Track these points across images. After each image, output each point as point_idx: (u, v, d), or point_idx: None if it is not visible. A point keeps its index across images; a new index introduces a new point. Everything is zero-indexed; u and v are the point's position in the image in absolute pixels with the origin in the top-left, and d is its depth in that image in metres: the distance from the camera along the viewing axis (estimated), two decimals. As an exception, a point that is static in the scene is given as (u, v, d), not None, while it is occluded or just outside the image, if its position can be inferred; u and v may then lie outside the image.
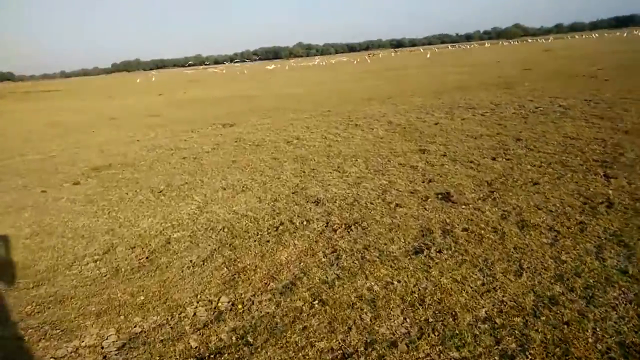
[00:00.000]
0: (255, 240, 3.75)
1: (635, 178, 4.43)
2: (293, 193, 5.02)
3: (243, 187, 5.44)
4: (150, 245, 3.87)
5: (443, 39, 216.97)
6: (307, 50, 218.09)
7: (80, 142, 10.24)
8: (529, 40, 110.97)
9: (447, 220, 3.81)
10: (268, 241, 3.71)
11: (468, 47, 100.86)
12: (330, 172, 5.77)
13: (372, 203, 4.42)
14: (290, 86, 23.72)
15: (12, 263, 3.76)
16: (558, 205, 3.91)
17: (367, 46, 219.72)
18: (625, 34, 69.97)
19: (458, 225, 3.70)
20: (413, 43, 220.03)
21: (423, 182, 5.00)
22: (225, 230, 4.04)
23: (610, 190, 4.15)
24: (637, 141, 5.86)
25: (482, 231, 3.52)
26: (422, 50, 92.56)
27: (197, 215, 4.52)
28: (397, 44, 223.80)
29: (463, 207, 4.10)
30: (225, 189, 5.43)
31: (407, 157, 6.24)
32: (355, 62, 61.44)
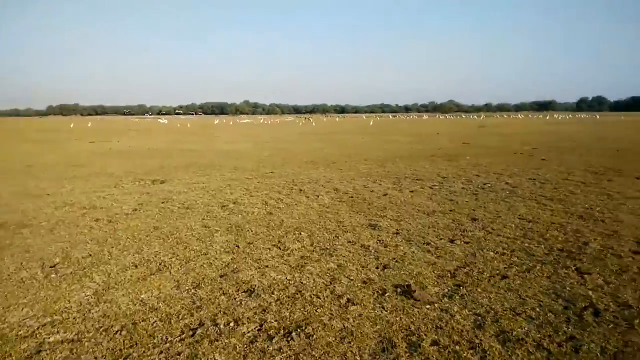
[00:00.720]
0: (161, 353, 2.77)
1: (610, 275, 3.97)
2: (222, 277, 4.10)
3: (160, 265, 4.44)
4: (10, 357, 2.77)
5: (384, 109, 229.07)
6: (253, 109, 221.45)
7: (-22, 191, 8.73)
8: (463, 116, 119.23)
9: (412, 328, 3.06)
10: (179, 355, 2.75)
11: (408, 117, 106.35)
12: (270, 249, 4.93)
13: (319, 297, 3.60)
14: (234, 143, 23.00)
15: None
16: (538, 309, 3.30)
17: (313, 109, 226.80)
18: (547, 117, 76.94)
19: (426, 335, 2.95)
20: (356, 110, 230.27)
21: (377, 268, 4.27)
22: (124, 333, 3.03)
23: (589, 291, 3.62)
24: (595, 229, 5.56)
25: (458, 347, 2.79)
26: (365, 118, 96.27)
27: (92, 307, 3.46)
28: (341, 110, 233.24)
29: (428, 307, 3.38)
30: (137, 266, 4.40)
31: (357, 233, 5.55)
32: (300, 123, 62.37)
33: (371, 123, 58.00)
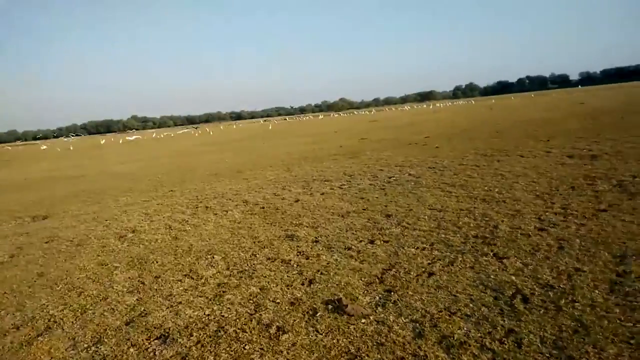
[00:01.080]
0: None
1: (525, 257, 4.12)
2: (127, 324, 3.53)
3: (49, 321, 3.73)
4: None
5: (279, 111, 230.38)
6: (143, 123, 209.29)
7: None
8: (355, 112, 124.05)
9: (352, 349, 2.83)
10: None
11: (305, 118, 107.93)
12: (181, 280, 4.41)
13: (244, 330, 3.23)
14: (125, 162, 21.27)
15: None
16: (471, 305, 3.26)
17: (207, 119, 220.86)
18: (431, 106, 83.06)
19: (368, 355, 2.74)
20: (252, 115, 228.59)
21: (303, 284, 4.00)
22: None
23: (512, 276, 3.70)
24: (500, 210, 5.84)
25: (403, 362, 2.61)
26: (262, 122, 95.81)
27: (-44, 396, 2.74)
28: (237, 117, 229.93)
29: (363, 321, 3.19)
30: (18, 328, 3.65)
31: (274, 247, 5.22)
32: (196, 134, 60.17)
33: (269, 127, 57.75)
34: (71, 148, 49.85)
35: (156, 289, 4.23)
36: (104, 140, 66.86)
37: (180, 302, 3.85)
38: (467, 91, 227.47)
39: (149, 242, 6.00)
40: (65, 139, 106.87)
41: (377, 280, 3.93)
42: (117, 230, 6.94)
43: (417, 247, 4.70)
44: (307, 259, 4.68)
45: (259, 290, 3.94)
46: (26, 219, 8.73)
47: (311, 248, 5.04)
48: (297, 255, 4.82)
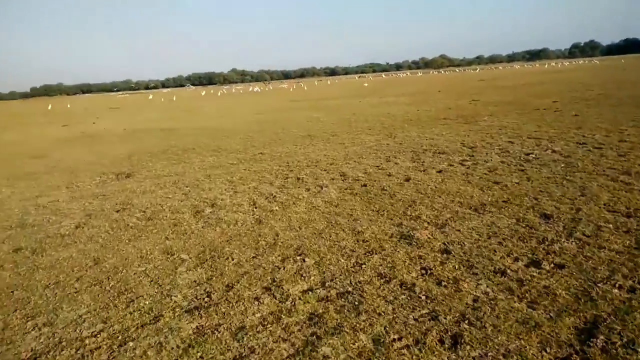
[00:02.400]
0: None
1: None
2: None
3: (76, 351, 2.67)
4: None
5: (374, 68, 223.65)
6: (241, 77, 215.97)
7: None
8: (457, 70, 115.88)
9: None
10: None
11: (401, 75, 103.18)
12: (259, 299, 3.15)
13: None
14: (220, 117, 20.91)
15: None
16: None
17: (302, 73, 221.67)
18: (545, 65, 74.33)
19: None
20: (346, 71, 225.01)
21: (442, 342, 2.51)
22: None
23: None
24: None
25: None
26: (357, 78, 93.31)
27: None
28: (331, 72, 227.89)
29: None
30: (38, 356, 2.63)
31: (386, 254, 3.76)
32: (291, 89, 59.83)
33: (365, 84, 55.44)
34: (174, 99, 52.01)
35: (224, 312, 3.00)
36: (204, 92, 69.29)
37: (253, 350, 2.56)
38: (587, 49, 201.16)
39: (228, 225, 4.85)
40: (165, 90, 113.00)
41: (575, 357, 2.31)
42: (196, 201, 5.92)
43: (619, 286, 2.95)
44: (440, 285, 3.15)
45: (371, 345, 2.52)
46: (110, 175, 8.16)
47: (441, 264, 3.50)
48: (423, 276, 3.32)
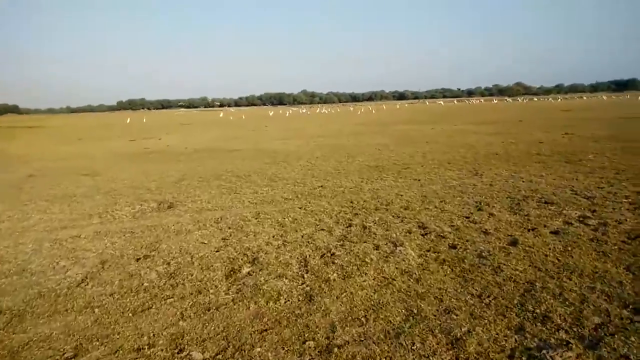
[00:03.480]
0: None
1: None
2: None
3: None
4: None
5: (445, 93, 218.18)
6: (310, 98, 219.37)
7: None
8: (535, 99, 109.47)
9: None
10: None
11: (474, 102, 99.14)
12: None
13: None
14: (284, 138, 20.04)
15: None
16: None
17: (370, 96, 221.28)
18: (638, 97, 67.85)
19: None
20: (415, 96, 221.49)
21: None
22: None
23: None
24: None
25: None
26: (427, 103, 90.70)
27: None
28: (400, 96, 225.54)
29: None
30: None
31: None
32: (359, 112, 58.91)
33: (439, 107, 53.18)
34: (243, 117, 52.76)
35: None
36: (272, 113, 70.18)
37: None
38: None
39: (267, 301, 3.52)
40: (232, 109, 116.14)
41: None
42: (234, 252, 4.68)
43: None
44: None
45: None
46: (151, 204, 7.20)
47: None
48: None
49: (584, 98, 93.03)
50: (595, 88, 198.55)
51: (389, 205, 6.44)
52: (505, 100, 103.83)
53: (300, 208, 6.52)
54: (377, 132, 21.08)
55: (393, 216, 5.85)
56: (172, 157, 14.18)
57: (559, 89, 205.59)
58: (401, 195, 7.05)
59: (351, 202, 6.78)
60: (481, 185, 7.64)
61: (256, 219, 6.03)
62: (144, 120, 53.47)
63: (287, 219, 5.92)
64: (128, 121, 48.35)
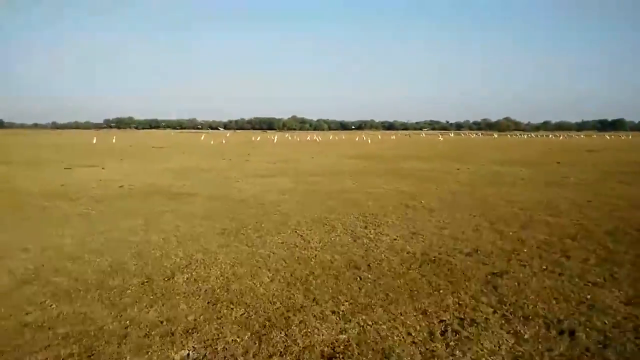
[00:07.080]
0: None
1: None
2: None
3: None
4: None
5: (433, 125, 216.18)
6: (300, 124, 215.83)
7: None
8: (532, 135, 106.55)
9: None
10: None
11: (471, 135, 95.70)
12: None
13: None
14: (265, 175, 14.92)
15: None
16: None
17: (360, 125, 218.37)
18: (630, 137, 65.31)
19: None
20: (405, 126, 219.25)
21: None
22: None
23: None
24: None
25: None
26: (424, 135, 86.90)
27: None
28: (389, 126, 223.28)
29: None
30: None
31: None
32: (356, 139, 54.42)
33: (440, 140, 48.93)
34: (223, 142, 47.73)
35: None
36: (259, 138, 65.44)
37: None
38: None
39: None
40: (221, 130, 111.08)
41: None
42: None
43: None
44: None
45: None
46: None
47: None
48: None
49: (581, 136, 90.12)
50: (581, 127, 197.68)
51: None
52: (494, 135, 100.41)
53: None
54: (385, 173, 16.04)
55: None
56: (86, 205, 9.04)
57: (546, 126, 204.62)
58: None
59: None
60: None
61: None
62: (114, 140, 48.07)
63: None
64: (94, 141, 42.94)
